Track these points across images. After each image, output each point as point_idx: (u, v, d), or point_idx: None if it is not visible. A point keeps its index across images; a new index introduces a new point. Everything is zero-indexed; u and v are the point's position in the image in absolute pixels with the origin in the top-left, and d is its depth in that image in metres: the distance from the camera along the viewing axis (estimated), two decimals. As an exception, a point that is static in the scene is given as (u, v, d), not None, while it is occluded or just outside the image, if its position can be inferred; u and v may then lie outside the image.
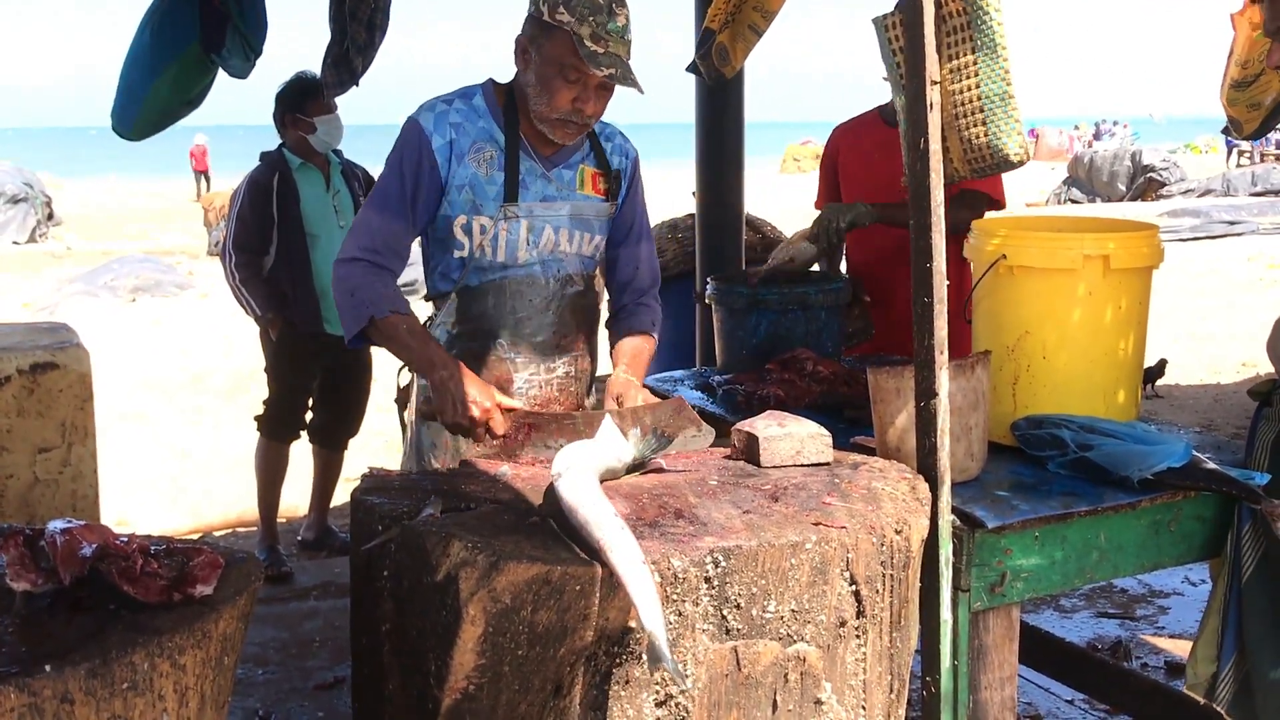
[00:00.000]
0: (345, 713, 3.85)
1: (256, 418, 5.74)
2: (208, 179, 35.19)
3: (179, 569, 1.91)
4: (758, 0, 4.77)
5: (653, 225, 6.75)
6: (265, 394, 5.75)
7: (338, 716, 4.09)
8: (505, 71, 3.11)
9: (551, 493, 2.27)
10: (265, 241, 5.47)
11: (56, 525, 1.92)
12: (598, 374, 3.33)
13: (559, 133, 2.96)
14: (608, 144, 3.17)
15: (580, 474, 2.24)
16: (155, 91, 4.81)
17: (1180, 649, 4.54)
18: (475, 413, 2.76)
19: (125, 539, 1.96)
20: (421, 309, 3.21)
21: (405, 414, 3.27)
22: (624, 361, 3.13)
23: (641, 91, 2.85)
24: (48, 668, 1.64)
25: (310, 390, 5.75)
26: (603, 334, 3.33)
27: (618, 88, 2.92)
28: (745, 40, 4.89)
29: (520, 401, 2.95)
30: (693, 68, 5.10)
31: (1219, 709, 2.88)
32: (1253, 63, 4.77)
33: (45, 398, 4.17)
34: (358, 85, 4.95)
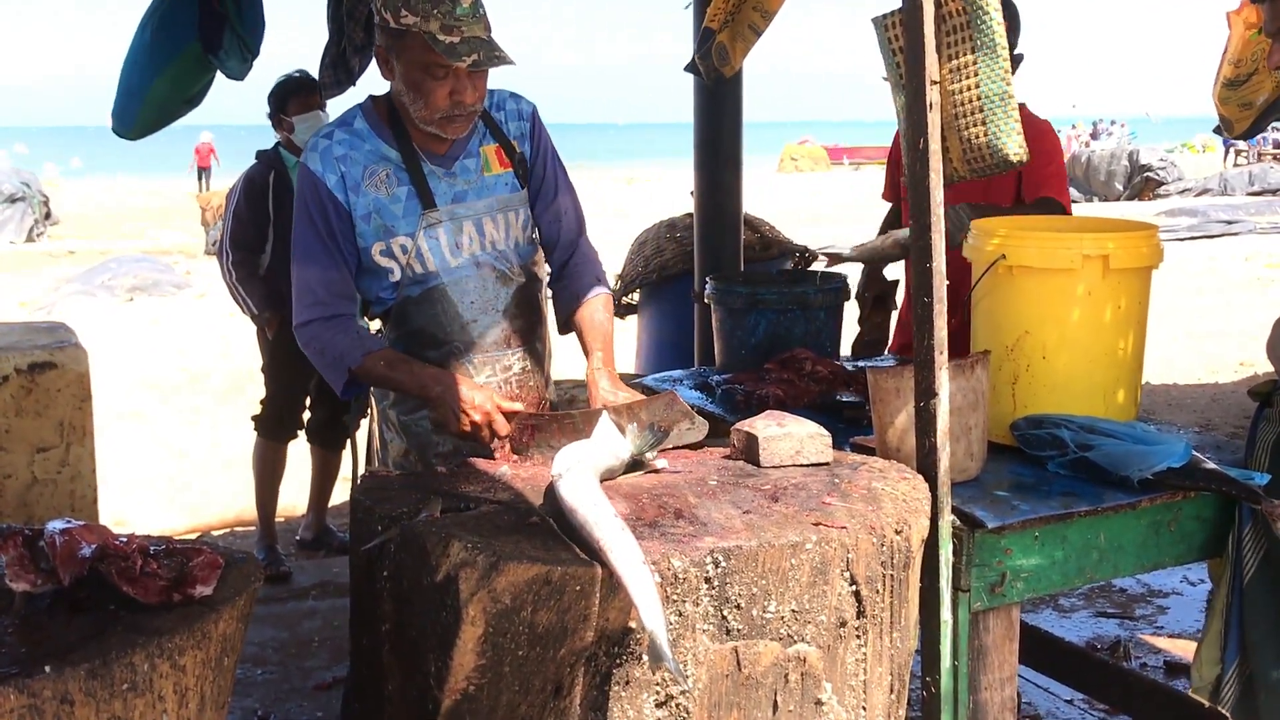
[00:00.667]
0: (344, 713, 3.85)
1: (254, 418, 5.73)
2: (208, 176, 35.36)
3: (179, 569, 1.90)
4: (757, 0, 4.77)
5: (651, 225, 6.79)
6: (263, 394, 5.75)
7: (337, 716, 4.07)
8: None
9: (552, 493, 2.27)
10: (261, 240, 5.47)
11: (56, 525, 1.92)
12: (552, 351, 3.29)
13: (450, 129, 2.88)
14: (499, 113, 3.07)
15: (580, 474, 2.24)
16: (155, 91, 4.81)
17: (1179, 648, 4.55)
18: (477, 418, 2.77)
19: (125, 539, 1.95)
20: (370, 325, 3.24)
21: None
22: (596, 348, 3.01)
23: (513, 63, 2.77)
24: (47, 668, 1.64)
25: (307, 390, 5.74)
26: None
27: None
28: (745, 40, 4.88)
29: (520, 404, 2.92)
30: (691, 67, 5.10)
31: (1224, 711, 2.88)
32: (1245, 62, 4.78)
33: (43, 397, 4.17)
34: (355, 85, 4.95)
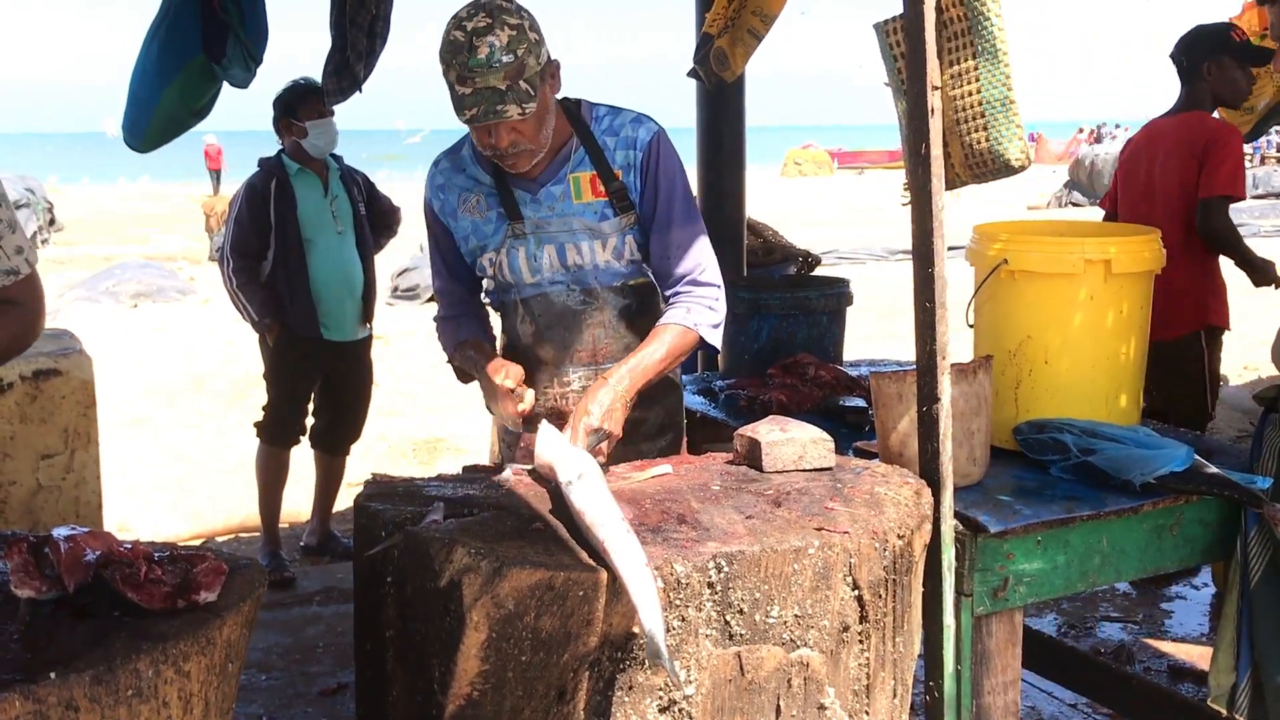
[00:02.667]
0: (349, 718, 3.85)
1: (256, 424, 5.74)
2: (218, 178, 35.80)
3: (183, 576, 1.91)
4: (756, 4, 4.78)
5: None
6: (265, 400, 5.76)
7: (341, 722, 4.09)
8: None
9: (560, 496, 2.29)
10: (263, 247, 5.47)
11: (61, 532, 1.93)
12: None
13: (507, 165, 2.92)
14: (612, 139, 3.01)
15: (591, 480, 2.26)
16: (164, 103, 4.83)
17: (1183, 652, 4.54)
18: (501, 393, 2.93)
19: (129, 546, 1.96)
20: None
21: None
22: (626, 359, 2.90)
23: (523, 114, 2.73)
24: (53, 675, 1.64)
25: (309, 396, 5.75)
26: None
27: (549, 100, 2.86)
28: (745, 45, 4.89)
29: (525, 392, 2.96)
30: (694, 73, 5.11)
31: (1238, 718, 2.87)
32: (1247, 66, 4.79)
33: (48, 404, 4.19)
34: (360, 92, 4.95)
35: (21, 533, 2.06)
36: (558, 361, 3.08)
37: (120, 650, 1.74)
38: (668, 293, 3.05)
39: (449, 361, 3.24)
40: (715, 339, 2.99)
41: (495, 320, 3.31)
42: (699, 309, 2.96)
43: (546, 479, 2.51)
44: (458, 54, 2.70)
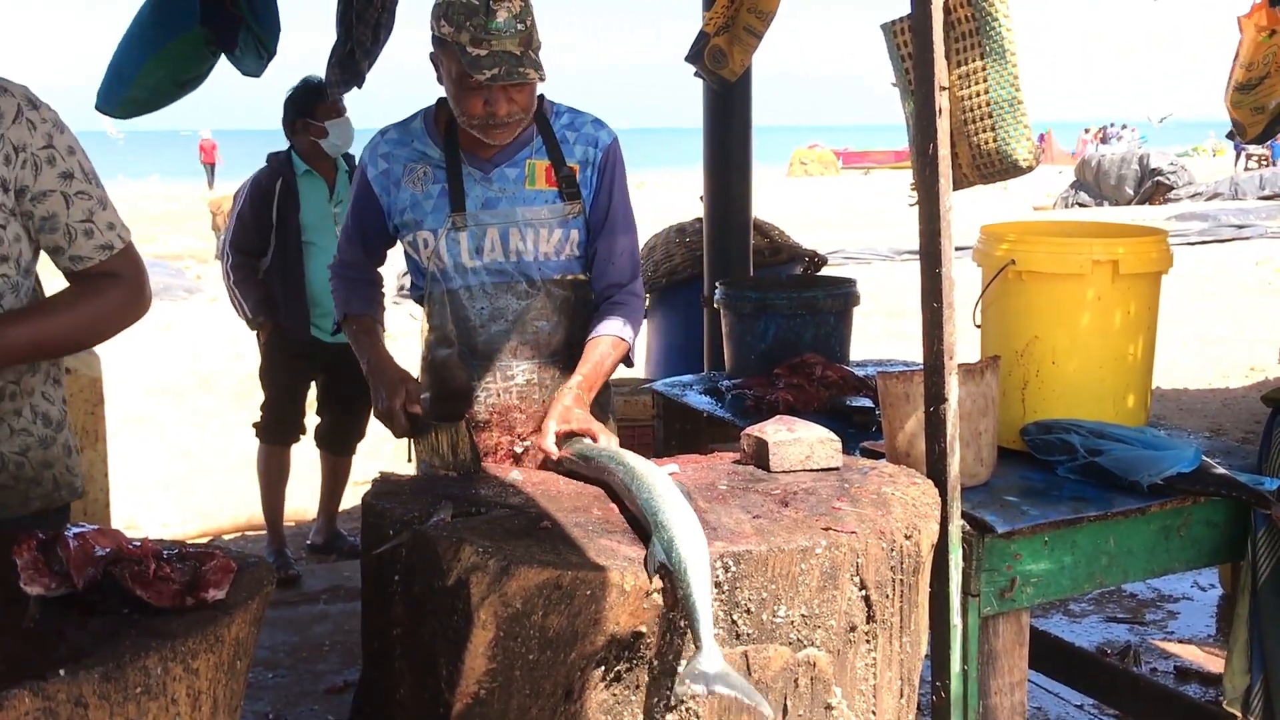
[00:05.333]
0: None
1: (254, 424, 5.74)
2: (213, 172, 36.67)
3: (192, 573, 1.91)
4: (753, 2, 4.77)
5: (661, 230, 6.79)
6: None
7: (347, 720, 4.10)
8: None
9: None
10: (263, 244, 5.46)
11: (70, 530, 1.93)
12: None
13: (490, 135, 2.92)
14: (572, 134, 3.07)
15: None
16: (147, 70, 4.75)
17: (1190, 653, 4.54)
18: (381, 408, 2.95)
19: (138, 544, 1.96)
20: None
21: None
22: (581, 370, 2.99)
23: (542, 79, 2.81)
24: (61, 672, 1.64)
25: (304, 395, 5.74)
26: None
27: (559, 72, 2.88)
28: (743, 44, 4.88)
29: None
30: (699, 73, 5.11)
31: None
32: (1257, 65, 4.78)
33: (56, 402, 4.17)
34: (360, 86, 4.94)
35: (31, 530, 2.07)
36: (501, 356, 3.08)
37: (129, 647, 1.74)
38: (605, 296, 3.13)
39: (339, 315, 3.27)
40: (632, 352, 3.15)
41: (413, 313, 3.30)
42: (635, 322, 3.11)
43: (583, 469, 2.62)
44: (472, 16, 2.75)
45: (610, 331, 3.05)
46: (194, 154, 37.39)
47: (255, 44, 4.76)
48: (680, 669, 2.08)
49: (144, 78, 4.81)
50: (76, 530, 1.93)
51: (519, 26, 2.78)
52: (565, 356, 3.11)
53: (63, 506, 2.46)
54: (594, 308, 3.14)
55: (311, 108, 5.42)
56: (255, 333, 5.61)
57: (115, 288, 2.36)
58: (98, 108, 4.98)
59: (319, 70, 5.24)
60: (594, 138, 3.08)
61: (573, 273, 3.10)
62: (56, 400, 2.45)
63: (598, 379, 3.00)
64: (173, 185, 38.57)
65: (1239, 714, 2.91)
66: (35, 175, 2.26)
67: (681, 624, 2.09)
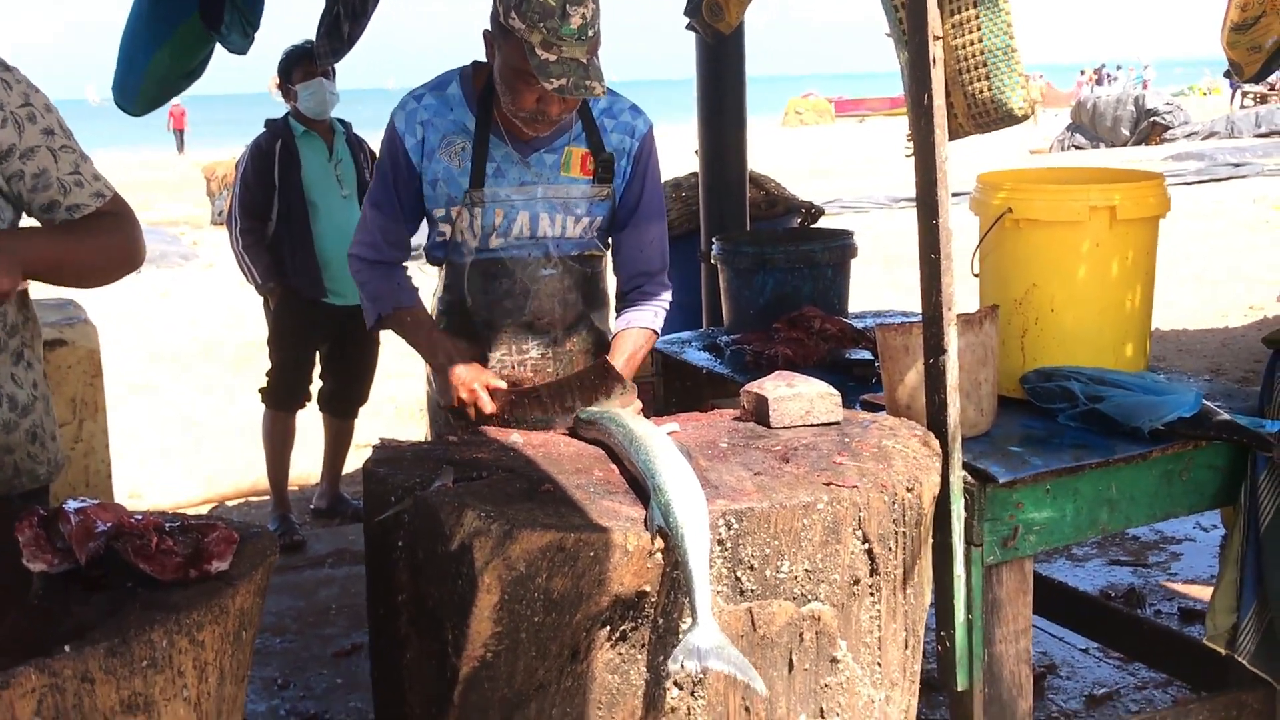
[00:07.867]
0: (364, 679, 3.88)
1: (260, 389, 5.75)
2: (182, 138, 39.52)
3: (194, 546, 1.91)
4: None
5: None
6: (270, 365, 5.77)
7: (357, 683, 4.12)
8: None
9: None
10: (268, 207, 5.50)
11: (71, 505, 1.93)
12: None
13: (530, 128, 2.91)
14: (610, 122, 3.07)
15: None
16: (155, 64, 4.79)
17: (1194, 594, 4.56)
18: (464, 394, 2.91)
19: (140, 517, 1.96)
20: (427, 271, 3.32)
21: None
22: (617, 360, 3.06)
23: (600, 94, 2.77)
24: (67, 648, 1.65)
25: (312, 360, 5.76)
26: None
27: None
28: (738, -5, 4.85)
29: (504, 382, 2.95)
30: (692, 25, 5.07)
31: (1241, 660, 2.88)
32: (1253, 4, 4.73)
33: (55, 375, 4.18)
34: (349, 52, 4.92)
35: (32, 505, 2.07)
36: (515, 330, 3.09)
37: (134, 621, 1.74)
38: (634, 285, 3.18)
39: (380, 317, 3.14)
40: None
41: (431, 277, 3.28)
42: (662, 315, 3.18)
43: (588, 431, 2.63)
44: (548, 18, 2.67)
45: (641, 323, 3.15)
46: (161, 120, 37.71)
47: (240, 20, 4.75)
48: (678, 645, 2.08)
49: (153, 71, 4.83)
50: (77, 505, 1.93)
51: (590, 33, 2.72)
52: (579, 330, 3.16)
53: (34, 490, 2.43)
54: (620, 294, 3.21)
55: (289, 73, 5.55)
56: (264, 299, 5.62)
57: (121, 224, 2.40)
58: (117, 104, 5.03)
59: (308, 36, 5.25)
60: (631, 126, 3.09)
61: (589, 249, 3.13)
62: (26, 384, 2.41)
63: (629, 372, 3.04)
64: (141, 151, 38.23)
65: (1223, 650, 2.92)
66: (19, 133, 2.26)
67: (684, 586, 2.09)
